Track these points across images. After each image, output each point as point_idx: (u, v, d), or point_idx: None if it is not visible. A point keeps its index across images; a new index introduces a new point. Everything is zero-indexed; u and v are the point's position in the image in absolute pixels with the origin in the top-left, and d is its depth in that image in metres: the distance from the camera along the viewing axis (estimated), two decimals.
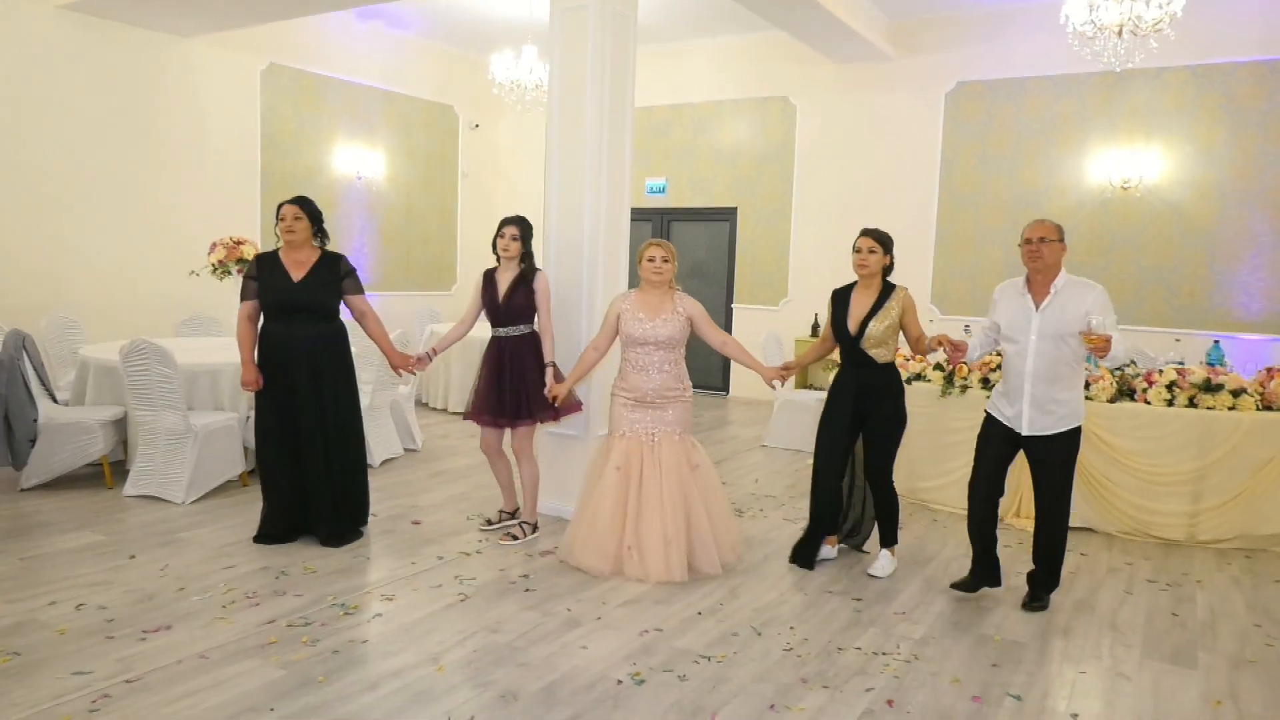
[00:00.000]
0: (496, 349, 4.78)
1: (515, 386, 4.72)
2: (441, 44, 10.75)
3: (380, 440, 6.51)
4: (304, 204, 4.62)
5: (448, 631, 3.68)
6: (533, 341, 4.80)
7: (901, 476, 5.99)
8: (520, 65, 8.80)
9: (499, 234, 4.77)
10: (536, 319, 4.82)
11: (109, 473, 5.70)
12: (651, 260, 4.38)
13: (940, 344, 4.10)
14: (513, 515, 5.13)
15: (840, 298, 4.50)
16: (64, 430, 5.48)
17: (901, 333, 4.40)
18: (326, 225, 4.76)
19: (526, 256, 4.81)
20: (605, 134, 5.16)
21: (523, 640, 3.63)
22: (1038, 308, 3.97)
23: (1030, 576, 4.24)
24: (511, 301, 4.74)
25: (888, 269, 4.43)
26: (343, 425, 4.69)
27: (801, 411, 7.57)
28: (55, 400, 5.87)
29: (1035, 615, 4.10)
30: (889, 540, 4.61)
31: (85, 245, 7.75)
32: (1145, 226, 8.24)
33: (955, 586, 4.32)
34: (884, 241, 4.39)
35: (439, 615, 3.86)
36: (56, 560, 4.35)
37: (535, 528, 4.99)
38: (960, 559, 4.85)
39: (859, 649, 3.67)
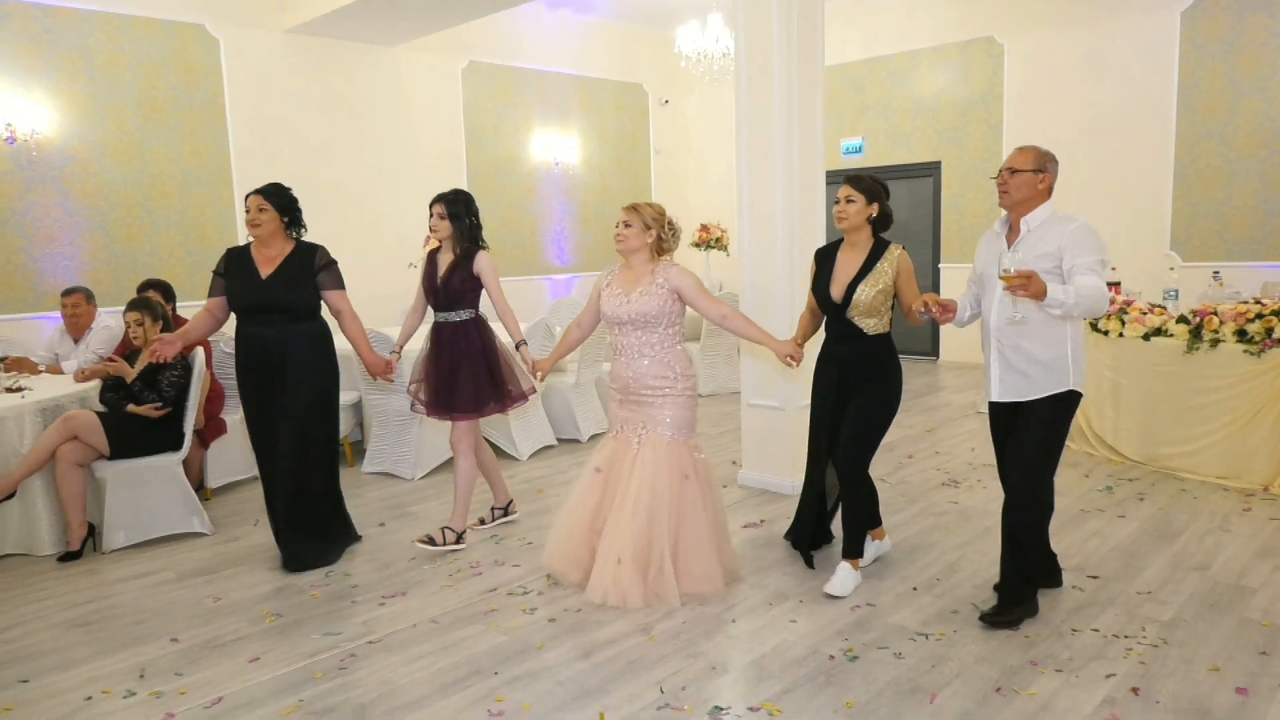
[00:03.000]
0: (435, 336, 4.37)
1: (449, 378, 4.28)
2: (628, 24, 10.86)
3: (586, 416, 6.73)
4: (270, 194, 4.13)
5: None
6: (473, 329, 4.34)
7: (1139, 442, 5.48)
8: (706, 35, 8.73)
9: (430, 213, 4.36)
10: (484, 302, 4.36)
11: (350, 452, 6.26)
12: (616, 226, 3.81)
13: (926, 306, 3.36)
14: (505, 510, 4.78)
15: (824, 257, 3.84)
16: None
17: (896, 301, 3.71)
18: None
19: (467, 234, 4.32)
20: (795, 96, 4.99)
21: (731, 613, 3.62)
22: (1009, 248, 3.33)
23: (998, 584, 3.55)
24: (449, 283, 4.28)
25: (879, 222, 3.74)
26: (313, 438, 4.20)
27: None
28: None
29: None
30: (854, 550, 3.78)
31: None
32: None
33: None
34: (866, 190, 3.70)
35: None
36: None
37: (461, 537, 4.43)
38: (1214, 533, 4.35)
39: (1096, 630, 3.36)
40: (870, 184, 3.73)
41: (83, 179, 7.17)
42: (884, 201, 3.74)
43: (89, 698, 3.09)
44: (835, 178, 9.66)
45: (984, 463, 5.72)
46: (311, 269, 4.16)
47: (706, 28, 8.73)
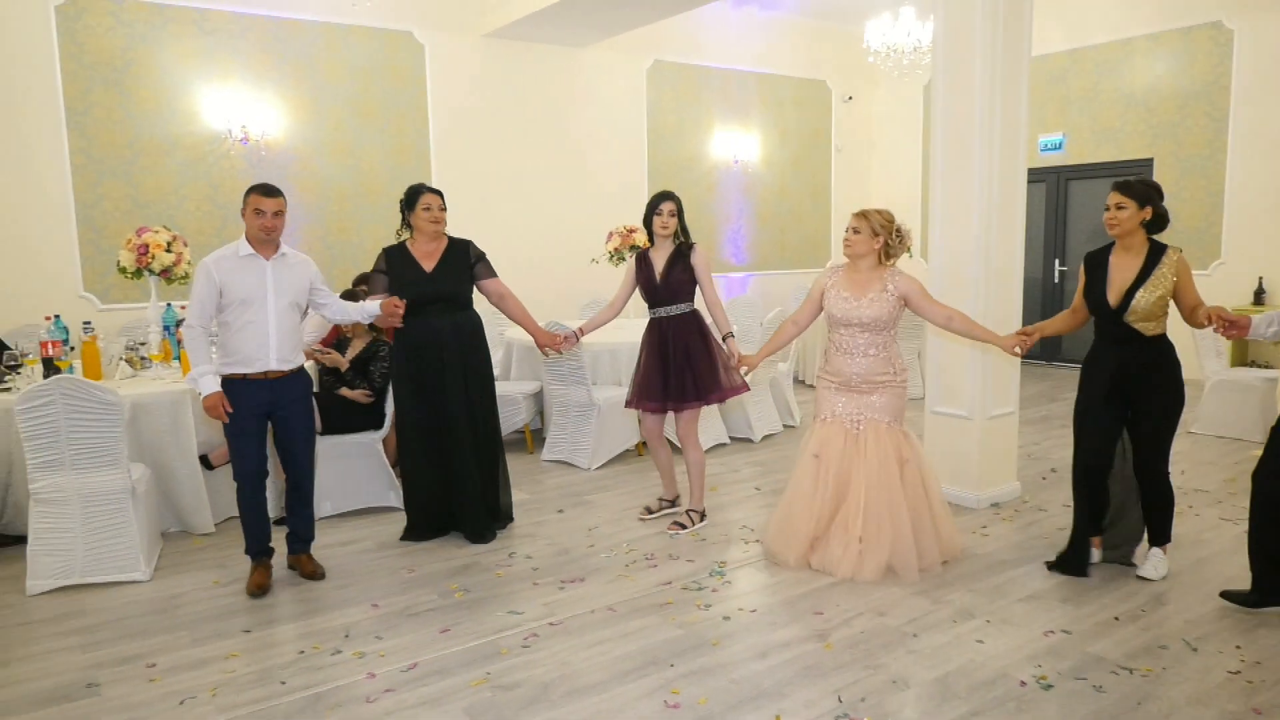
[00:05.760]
0: (658, 330, 4.61)
1: (680, 368, 4.53)
2: (813, 19, 10.68)
3: (760, 417, 6.68)
4: (443, 196, 4.50)
5: (834, 610, 3.66)
6: (694, 320, 4.60)
7: None
8: (897, 29, 8.45)
9: (655, 211, 4.55)
10: (698, 295, 4.61)
11: (530, 439, 6.51)
12: (845, 231, 4.07)
13: (1212, 318, 3.41)
14: (673, 503, 4.97)
15: (1095, 262, 3.81)
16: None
17: (1173, 301, 3.67)
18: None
19: (682, 232, 4.60)
20: (997, 89, 4.74)
21: (912, 626, 3.50)
22: None
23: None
24: (670, 279, 4.55)
25: (1153, 225, 3.68)
26: (486, 418, 4.55)
27: (1240, 392, 6.45)
28: None
29: None
30: (1162, 538, 3.92)
31: (508, 241, 8.86)
32: None
33: (1229, 597, 3.61)
34: (1138, 195, 3.63)
35: (825, 592, 3.85)
36: None
37: (703, 515, 4.79)
38: None
39: None
40: (1141, 188, 3.67)
41: (303, 176, 7.83)
42: (1158, 204, 3.67)
43: (301, 652, 3.38)
44: (1034, 176, 9.14)
45: (1194, 488, 5.23)
46: (468, 261, 4.53)
47: (898, 20, 8.45)
